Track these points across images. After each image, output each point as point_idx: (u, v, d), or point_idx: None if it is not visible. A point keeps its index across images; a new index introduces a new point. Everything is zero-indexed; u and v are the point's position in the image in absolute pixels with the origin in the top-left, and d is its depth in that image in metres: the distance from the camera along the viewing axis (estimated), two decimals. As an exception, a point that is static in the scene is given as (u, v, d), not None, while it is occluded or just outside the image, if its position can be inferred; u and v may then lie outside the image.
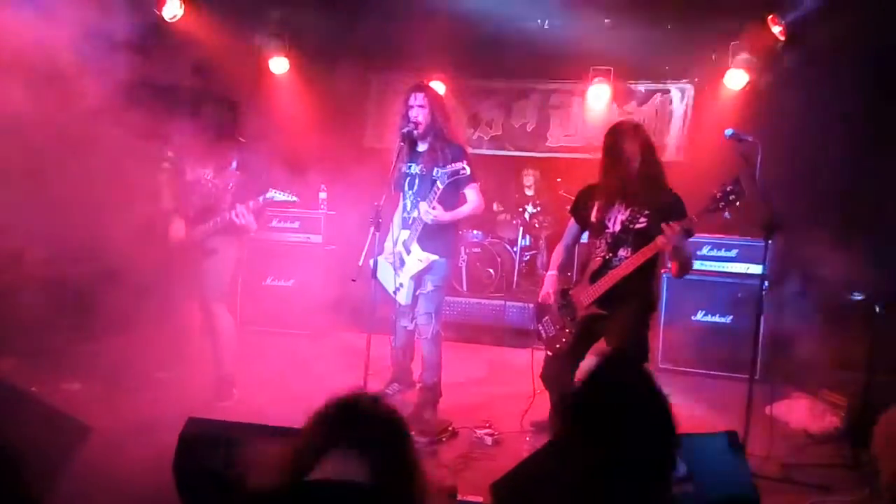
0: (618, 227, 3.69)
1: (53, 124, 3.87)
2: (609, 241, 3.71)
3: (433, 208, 4.04)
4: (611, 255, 3.69)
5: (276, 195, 4.19)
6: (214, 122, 4.33)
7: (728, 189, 3.34)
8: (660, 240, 3.42)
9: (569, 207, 4.09)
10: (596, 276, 3.73)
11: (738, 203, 3.33)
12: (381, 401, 1.59)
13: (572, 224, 4.04)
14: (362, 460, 1.44)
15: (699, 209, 3.44)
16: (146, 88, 4.40)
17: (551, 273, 4.00)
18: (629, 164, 3.66)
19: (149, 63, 4.71)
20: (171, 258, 4.41)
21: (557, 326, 3.89)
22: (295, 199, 4.28)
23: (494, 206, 7.69)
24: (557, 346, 3.87)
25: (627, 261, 3.60)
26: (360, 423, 1.50)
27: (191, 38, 5.61)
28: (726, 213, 3.38)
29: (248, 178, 4.30)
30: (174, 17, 5.47)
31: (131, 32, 4.61)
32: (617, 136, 3.72)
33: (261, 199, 4.19)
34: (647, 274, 3.70)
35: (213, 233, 4.34)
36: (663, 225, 3.40)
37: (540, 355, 4.19)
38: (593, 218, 3.81)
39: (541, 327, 4.00)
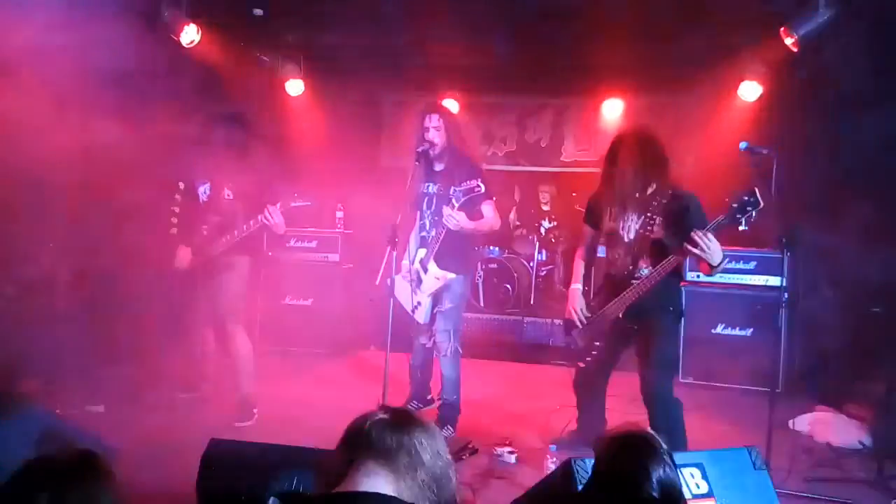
0: (632, 236, 3.68)
1: (75, 150, 3.95)
2: (626, 251, 3.70)
3: (457, 212, 4.03)
4: (632, 267, 3.67)
5: (293, 203, 4.27)
6: (228, 140, 4.41)
7: (744, 199, 3.21)
8: (675, 258, 3.42)
9: (583, 218, 4.10)
10: (619, 289, 3.70)
11: (754, 214, 3.22)
12: (406, 413, 1.61)
13: (588, 230, 4.04)
14: (384, 472, 1.47)
15: (714, 222, 3.32)
16: (164, 113, 4.48)
17: (575, 287, 3.97)
18: (630, 173, 3.62)
19: (167, 88, 4.80)
20: (181, 283, 4.47)
21: (586, 340, 3.90)
22: (309, 203, 4.33)
23: (511, 220, 7.71)
24: (588, 358, 3.89)
25: (649, 276, 3.58)
26: (378, 435, 1.52)
27: (208, 64, 5.70)
28: (742, 226, 3.26)
29: (265, 186, 4.37)
30: (191, 42, 5.57)
31: (149, 58, 4.72)
32: (620, 145, 3.70)
33: (291, 203, 4.25)
34: (670, 284, 3.69)
35: (229, 248, 4.40)
36: (685, 246, 3.32)
37: (556, 371, 4.20)
38: (606, 226, 3.82)
39: (572, 339, 4.01)
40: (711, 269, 3.46)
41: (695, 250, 3.28)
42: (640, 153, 3.61)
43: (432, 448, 1.54)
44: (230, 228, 4.38)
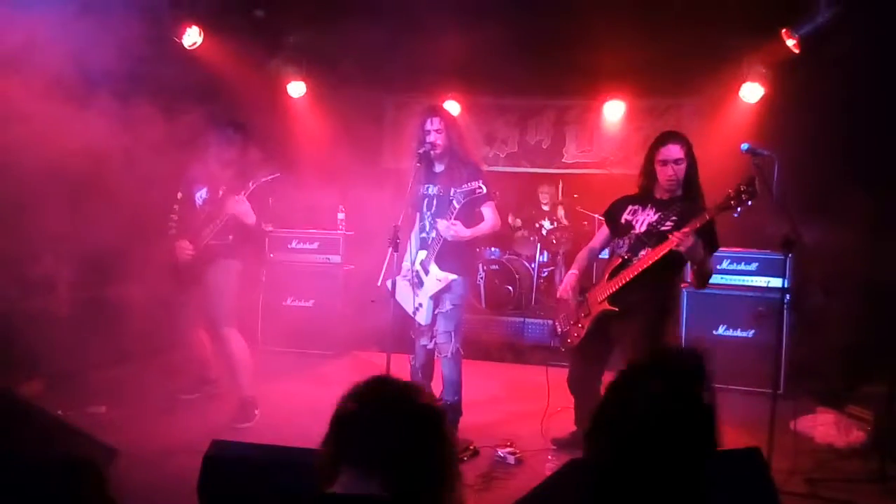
0: (643, 229, 3.75)
1: (78, 153, 3.96)
2: (632, 241, 3.77)
3: (453, 224, 4.07)
4: (631, 254, 3.74)
5: (263, 178, 4.30)
6: (226, 147, 4.44)
7: (742, 188, 3.36)
8: (673, 236, 3.44)
9: (601, 213, 4.16)
10: (614, 274, 3.78)
11: (750, 202, 3.35)
12: (395, 397, 1.50)
13: (603, 229, 4.10)
14: (372, 473, 1.39)
15: (712, 206, 3.49)
16: (165, 115, 4.49)
17: (572, 272, 4.03)
18: (676, 174, 3.72)
19: (169, 90, 4.81)
20: (176, 285, 4.48)
21: (571, 321, 3.94)
22: (277, 174, 4.39)
23: (510, 220, 7.71)
24: (569, 340, 3.95)
25: (643, 257, 3.63)
26: (363, 435, 1.43)
27: (210, 65, 5.72)
28: (737, 212, 3.41)
29: (236, 175, 4.42)
30: (194, 44, 5.58)
31: (152, 61, 4.73)
32: (666, 143, 3.78)
33: (250, 185, 4.29)
34: (665, 281, 3.72)
35: (219, 251, 4.43)
36: (672, 234, 3.46)
37: (554, 372, 4.22)
38: (622, 220, 3.88)
39: (557, 324, 4.06)
40: (697, 280, 3.53)
41: (674, 239, 3.42)
42: (688, 177, 3.75)
43: (425, 440, 1.45)
44: (216, 218, 4.42)
